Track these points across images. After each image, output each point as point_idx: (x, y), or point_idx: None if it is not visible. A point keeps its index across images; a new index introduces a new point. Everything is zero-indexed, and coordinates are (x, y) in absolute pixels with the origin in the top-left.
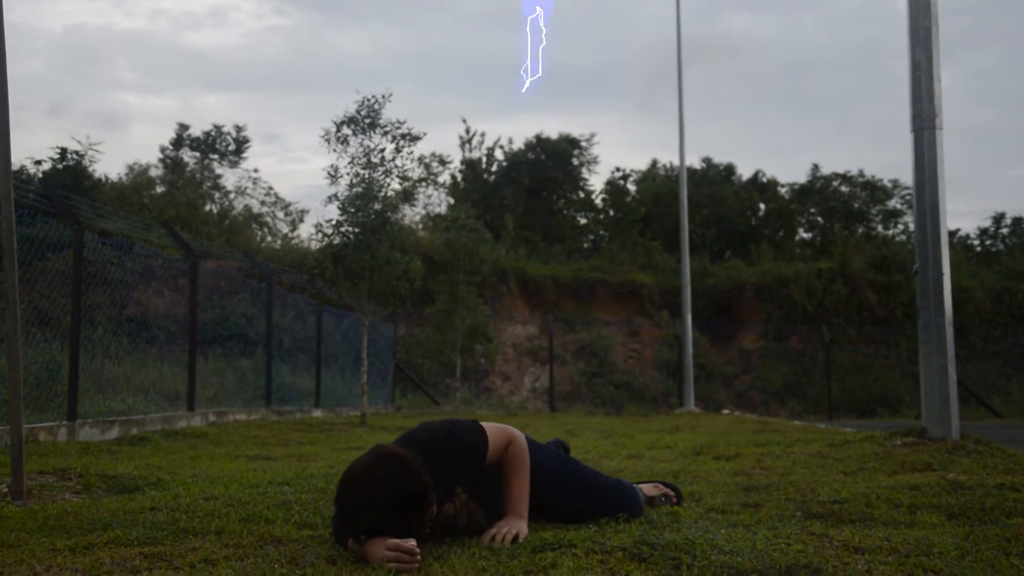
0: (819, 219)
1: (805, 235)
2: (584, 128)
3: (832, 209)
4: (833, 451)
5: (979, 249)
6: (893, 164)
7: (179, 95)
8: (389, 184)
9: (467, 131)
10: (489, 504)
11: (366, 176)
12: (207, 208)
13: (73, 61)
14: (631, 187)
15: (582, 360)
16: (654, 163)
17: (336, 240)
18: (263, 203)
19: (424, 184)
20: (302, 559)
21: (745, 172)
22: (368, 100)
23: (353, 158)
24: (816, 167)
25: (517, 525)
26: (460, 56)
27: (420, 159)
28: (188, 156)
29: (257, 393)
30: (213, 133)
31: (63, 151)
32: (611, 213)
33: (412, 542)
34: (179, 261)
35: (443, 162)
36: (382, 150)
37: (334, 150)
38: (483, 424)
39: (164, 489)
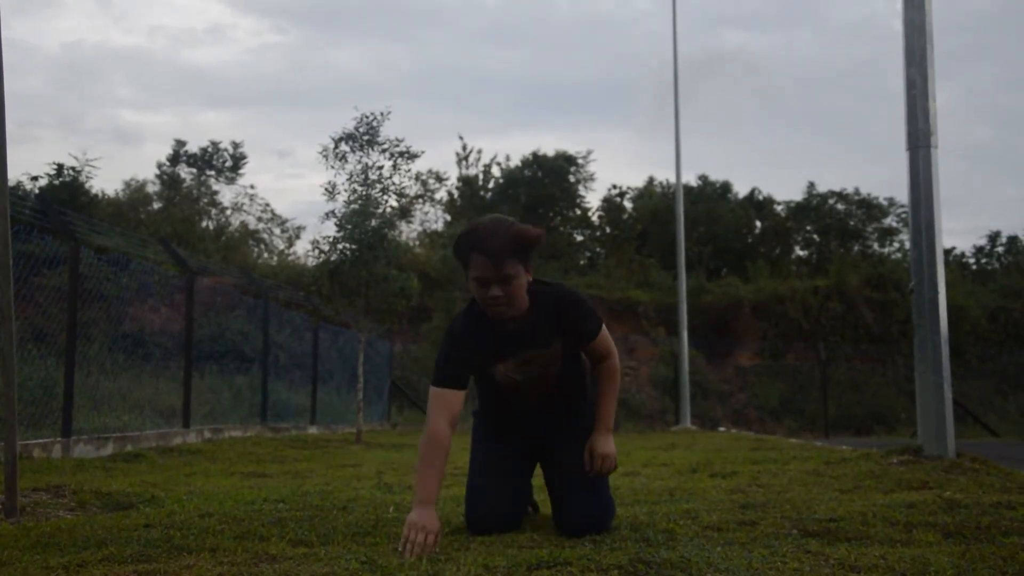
0: (815, 237)
1: (801, 253)
2: (581, 145)
3: (828, 227)
4: (829, 469)
5: (974, 267)
6: (889, 181)
7: (177, 112)
8: (386, 201)
9: (464, 148)
10: (559, 401)
11: (364, 193)
12: (204, 224)
13: (71, 78)
14: (628, 204)
15: None
16: (650, 180)
17: (333, 257)
18: (260, 219)
19: (421, 201)
20: None
21: (741, 189)
22: (367, 117)
23: (351, 175)
24: (812, 185)
25: (607, 446)
26: (457, 73)
27: (417, 176)
28: (185, 172)
29: (253, 410)
30: (210, 149)
31: (60, 167)
32: (607, 230)
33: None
34: (175, 277)
35: (440, 179)
36: (380, 167)
37: (332, 167)
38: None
39: (159, 506)
